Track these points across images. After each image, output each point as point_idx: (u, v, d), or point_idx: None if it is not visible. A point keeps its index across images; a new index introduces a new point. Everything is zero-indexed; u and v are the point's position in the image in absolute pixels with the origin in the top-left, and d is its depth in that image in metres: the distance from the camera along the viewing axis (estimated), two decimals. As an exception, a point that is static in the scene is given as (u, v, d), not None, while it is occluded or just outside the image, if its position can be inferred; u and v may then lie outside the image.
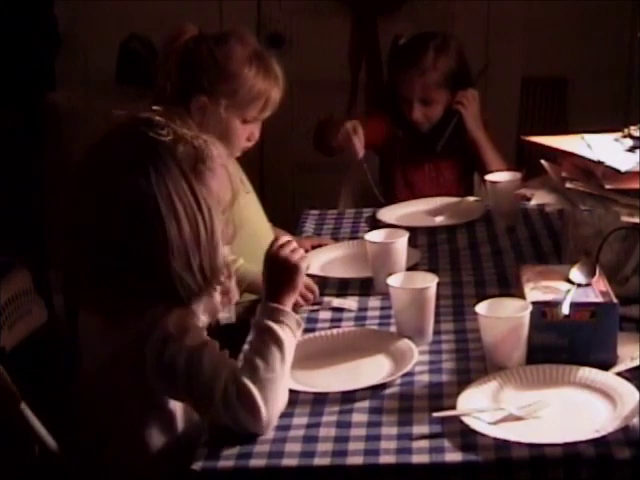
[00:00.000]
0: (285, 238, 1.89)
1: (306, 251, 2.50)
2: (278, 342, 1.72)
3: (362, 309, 2.18)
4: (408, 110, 3.08)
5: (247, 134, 2.47)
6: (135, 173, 1.70)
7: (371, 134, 3.09)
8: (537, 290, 1.89)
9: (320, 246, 2.58)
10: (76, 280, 1.80)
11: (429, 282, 1.97)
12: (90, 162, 1.79)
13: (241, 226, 2.48)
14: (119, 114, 1.79)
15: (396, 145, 3.17)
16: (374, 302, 2.21)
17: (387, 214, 2.78)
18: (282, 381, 1.71)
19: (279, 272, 1.83)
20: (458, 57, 3.10)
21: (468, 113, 3.06)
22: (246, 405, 1.66)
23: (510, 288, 2.15)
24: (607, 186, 2.11)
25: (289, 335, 1.75)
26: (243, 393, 1.66)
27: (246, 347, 1.79)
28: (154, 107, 1.81)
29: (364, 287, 2.28)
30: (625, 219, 2.06)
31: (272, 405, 1.68)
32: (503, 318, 1.80)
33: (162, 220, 1.69)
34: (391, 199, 2.98)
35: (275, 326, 1.74)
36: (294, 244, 1.87)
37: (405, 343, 1.93)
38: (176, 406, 1.81)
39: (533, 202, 2.28)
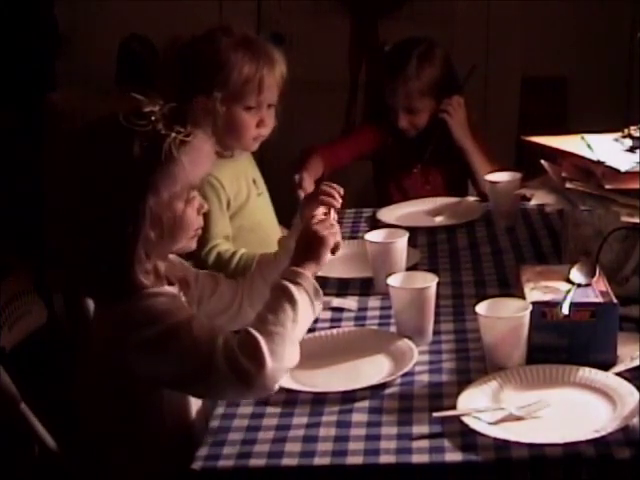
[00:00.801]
0: (321, 212, 1.93)
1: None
2: (292, 301, 1.73)
3: (362, 309, 2.18)
4: (394, 118, 3.08)
5: (255, 121, 2.44)
6: (89, 153, 1.79)
7: (360, 145, 3.12)
8: (537, 290, 1.89)
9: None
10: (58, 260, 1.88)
11: (429, 282, 1.97)
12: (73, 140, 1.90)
13: (252, 230, 2.47)
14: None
15: (387, 152, 3.17)
16: (374, 302, 2.20)
17: (387, 214, 2.78)
18: (291, 340, 1.70)
19: (307, 242, 1.86)
20: (443, 65, 3.08)
21: (454, 121, 3.06)
22: (250, 352, 1.65)
23: (510, 288, 2.15)
24: (607, 186, 2.11)
25: (305, 297, 1.75)
26: (247, 341, 1.66)
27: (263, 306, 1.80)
28: (159, 101, 1.83)
29: (364, 287, 2.27)
30: (625, 219, 2.06)
31: (278, 358, 1.66)
32: (503, 318, 1.80)
33: (87, 200, 1.76)
34: (385, 204, 2.98)
35: (291, 286, 1.75)
36: (330, 220, 1.91)
37: (405, 343, 1.93)
38: (172, 404, 1.81)
39: (533, 202, 2.28)
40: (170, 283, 1.89)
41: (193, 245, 1.90)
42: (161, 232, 1.78)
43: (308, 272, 1.80)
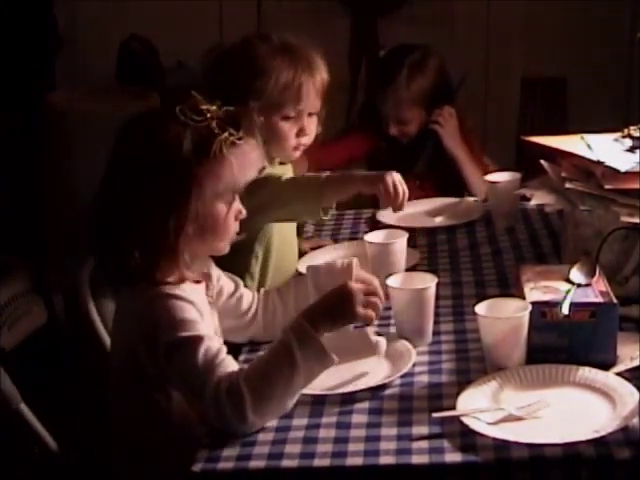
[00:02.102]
0: (373, 280, 1.86)
1: (305, 253, 2.51)
2: (293, 366, 1.68)
3: (362, 309, 2.17)
4: (385, 125, 3.07)
5: (295, 130, 2.32)
6: (141, 138, 1.82)
7: (349, 150, 3.10)
8: (537, 290, 1.89)
9: (319, 247, 2.57)
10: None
11: (428, 282, 1.97)
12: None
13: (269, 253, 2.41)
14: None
15: (381, 157, 3.17)
16: (374, 302, 2.20)
17: (387, 215, 2.78)
18: (279, 397, 1.69)
19: (339, 306, 1.78)
20: (436, 75, 3.04)
21: (445, 131, 3.04)
22: (234, 404, 1.66)
23: (510, 288, 2.15)
24: (607, 186, 2.10)
25: (307, 362, 1.69)
26: (235, 393, 1.66)
27: (264, 352, 1.78)
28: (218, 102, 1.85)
29: (364, 287, 2.27)
30: (625, 219, 2.06)
31: (259, 414, 1.67)
32: (503, 318, 1.80)
33: (134, 185, 1.78)
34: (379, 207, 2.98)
35: (296, 349, 1.69)
36: (376, 299, 1.82)
37: (402, 344, 1.93)
38: (180, 404, 1.82)
39: (533, 202, 2.28)
40: (197, 281, 1.90)
41: (226, 249, 1.91)
42: (199, 229, 1.80)
43: (320, 333, 1.72)
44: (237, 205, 1.87)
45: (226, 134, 1.79)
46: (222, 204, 1.83)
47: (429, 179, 3.13)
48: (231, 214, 1.85)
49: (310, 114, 2.34)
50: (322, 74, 2.33)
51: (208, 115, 1.80)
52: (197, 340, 1.72)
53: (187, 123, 1.78)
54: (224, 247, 1.90)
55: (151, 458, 1.86)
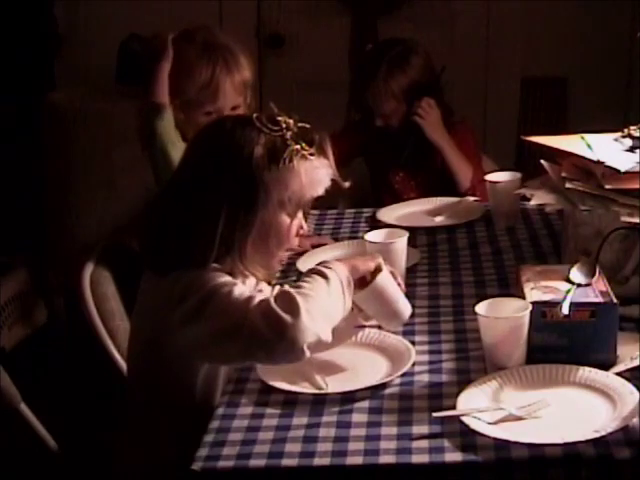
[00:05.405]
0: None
1: (306, 250, 2.51)
2: (324, 276, 1.78)
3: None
4: (371, 117, 3.12)
5: None
6: (215, 138, 1.88)
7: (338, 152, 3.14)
8: (537, 290, 1.89)
9: (320, 245, 2.58)
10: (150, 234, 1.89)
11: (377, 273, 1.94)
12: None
13: None
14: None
15: (373, 154, 3.20)
16: (374, 302, 2.20)
17: (387, 214, 2.78)
18: (324, 309, 1.74)
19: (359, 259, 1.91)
20: (418, 71, 3.08)
21: (426, 122, 3.07)
22: (285, 304, 1.69)
23: (510, 288, 2.15)
24: (607, 186, 2.11)
25: (337, 280, 1.78)
26: (284, 295, 1.71)
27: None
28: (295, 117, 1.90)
29: (364, 287, 2.27)
30: (625, 219, 2.06)
31: (311, 317, 1.70)
32: (503, 318, 1.80)
33: (204, 178, 1.83)
34: (380, 204, 2.99)
35: (323, 268, 1.80)
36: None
37: (402, 343, 1.93)
38: (205, 384, 1.84)
39: (533, 202, 2.28)
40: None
41: (277, 267, 1.98)
42: (260, 236, 1.84)
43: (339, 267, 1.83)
44: (300, 220, 1.92)
45: (298, 146, 1.84)
46: (286, 215, 1.87)
47: (420, 171, 3.15)
48: (293, 227, 1.90)
49: (234, 108, 2.54)
50: (242, 72, 2.54)
51: (284, 126, 1.84)
52: (231, 284, 1.76)
53: (262, 130, 1.83)
54: (278, 261, 1.95)
55: (153, 456, 1.86)
